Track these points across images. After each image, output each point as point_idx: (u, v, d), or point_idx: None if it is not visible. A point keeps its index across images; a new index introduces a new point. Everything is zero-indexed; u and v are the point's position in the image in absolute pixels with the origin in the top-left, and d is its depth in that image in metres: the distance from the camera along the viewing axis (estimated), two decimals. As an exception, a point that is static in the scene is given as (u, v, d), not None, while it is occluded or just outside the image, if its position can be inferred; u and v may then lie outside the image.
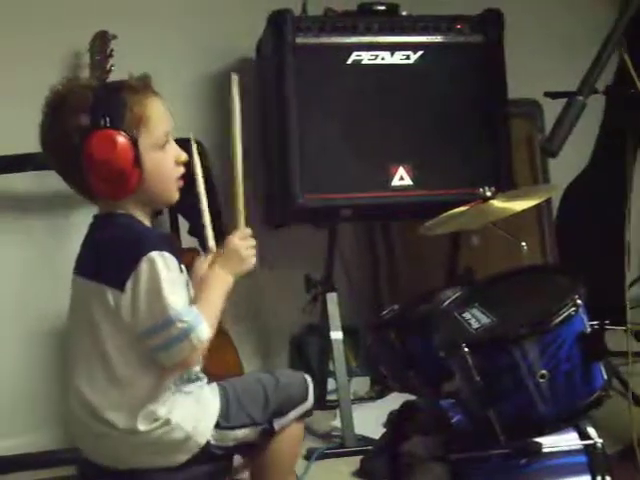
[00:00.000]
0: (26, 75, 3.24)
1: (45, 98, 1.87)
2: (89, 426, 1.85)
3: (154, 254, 1.77)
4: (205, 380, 1.99)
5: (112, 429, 1.82)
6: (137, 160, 1.81)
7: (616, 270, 4.37)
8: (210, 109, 3.65)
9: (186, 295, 1.84)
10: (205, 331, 1.79)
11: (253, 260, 2.00)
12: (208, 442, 1.89)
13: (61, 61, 3.28)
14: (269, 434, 2.02)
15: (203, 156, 3.29)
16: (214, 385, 2.01)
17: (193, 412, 1.89)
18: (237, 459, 2.09)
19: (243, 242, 2.00)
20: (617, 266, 4.38)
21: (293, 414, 2.06)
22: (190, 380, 1.92)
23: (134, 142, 1.81)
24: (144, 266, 1.76)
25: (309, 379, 2.13)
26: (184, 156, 1.94)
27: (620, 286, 4.38)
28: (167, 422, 1.84)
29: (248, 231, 2.03)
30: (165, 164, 1.89)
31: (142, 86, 1.88)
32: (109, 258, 1.83)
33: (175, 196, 1.95)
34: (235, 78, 2.09)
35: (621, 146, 4.32)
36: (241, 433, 1.96)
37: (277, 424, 2.02)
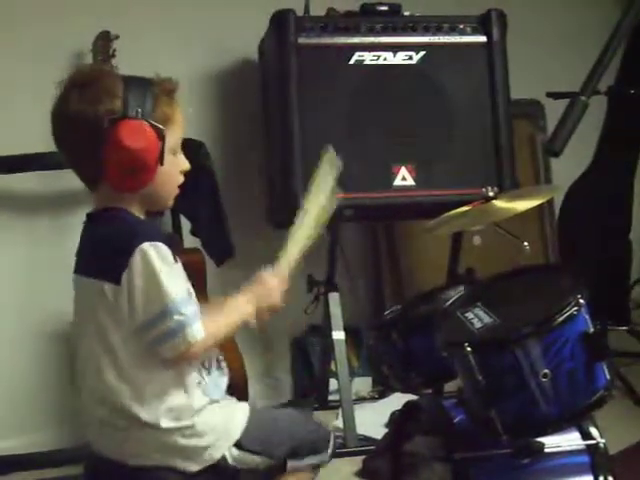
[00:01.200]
0: (29, 76, 3.25)
1: (69, 75, 1.84)
2: (105, 420, 1.84)
3: (146, 245, 1.75)
4: (226, 378, 1.98)
5: (132, 422, 1.81)
6: (161, 157, 1.80)
7: (618, 270, 4.39)
8: (213, 109, 3.65)
9: (184, 284, 1.82)
10: (199, 330, 1.77)
11: (280, 303, 1.99)
12: (223, 457, 1.88)
13: (63, 61, 3.28)
14: (279, 471, 1.99)
15: (205, 157, 3.32)
16: (245, 405, 1.99)
17: (217, 424, 1.88)
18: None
19: (275, 280, 1.98)
20: (619, 266, 4.40)
21: (308, 460, 2.03)
22: (211, 373, 1.92)
23: (163, 139, 1.80)
24: (137, 257, 1.74)
25: (333, 435, 2.11)
26: (187, 165, 1.93)
27: (622, 286, 4.39)
28: (192, 426, 1.83)
29: (285, 275, 2.01)
30: (175, 169, 1.89)
31: (171, 89, 1.87)
32: (104, 253, 1.81)
33: (171, 203, 1.94)
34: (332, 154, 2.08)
35: (623, 146, 4.34)
36: (257, 460, 1.94)
37: (290, 465, 1.99)
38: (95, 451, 1.89)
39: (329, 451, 2.08)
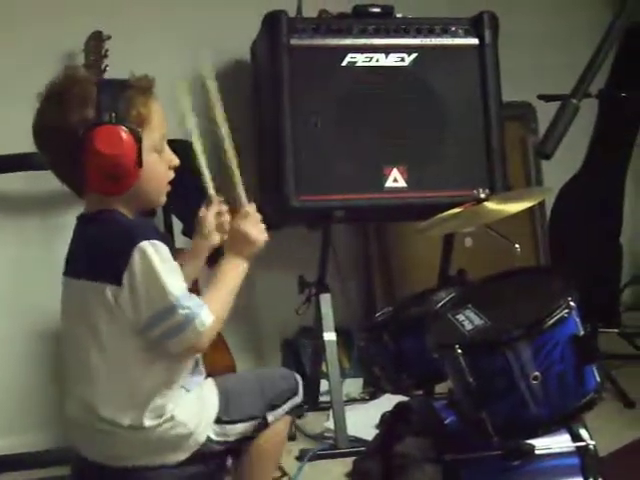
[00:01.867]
0: (19, 76, 3.24)
1: (45, 86, 1.85)
2: (89, 425, 1.85)
3: (144, 243, 1.76)
4: (204, 376, 1.99)
5: (116, 427, 1.82)
6: (139, 159, 1.80)
7: (609, 273, 4.40)
8: (203, 111, 3.64)
9: (183, 281, 1.83)
10: (208, 316, 1.79)
11: (262, 236, 2.00)
12: (208, 438, 1.91)
13: (55, 61, 3.27)
14: (262, 427, 2.04)
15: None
16: (210, 381, 2.01)
17: (195, 409, 1.90)
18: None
19: (247, 221, 2.00)
20: (610, 269, 4.41)
21: (285, 407, 2.09)
22: (194, 373, 1.93)
23: (139, 141, 1.80)
24: (137, 257, 1.75)
25: (298, 376, 2.17)
26: (176, 161, 1.94)
27: (613, 289, 4.40)
28: (172, 418, 1.85)
29: (250, 208, 2.02)
30: (160, 167, 1.90)
31: (147, 87, 1.87)
32: (101, 254, 1.82)
33: (163, 199, 1.95)
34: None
35: (614, 149, 4.35)
36: (241, 427, 1.98)
37: (271, 417, 2.05)
38: (81, 453, 1.90)
39: (300, 393, 2.14)
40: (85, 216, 1.91)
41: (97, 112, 1.77)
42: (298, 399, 2.13)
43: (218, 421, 1.94)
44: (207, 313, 1.80)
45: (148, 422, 1.82)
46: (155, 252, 1.77)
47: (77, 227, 1.93)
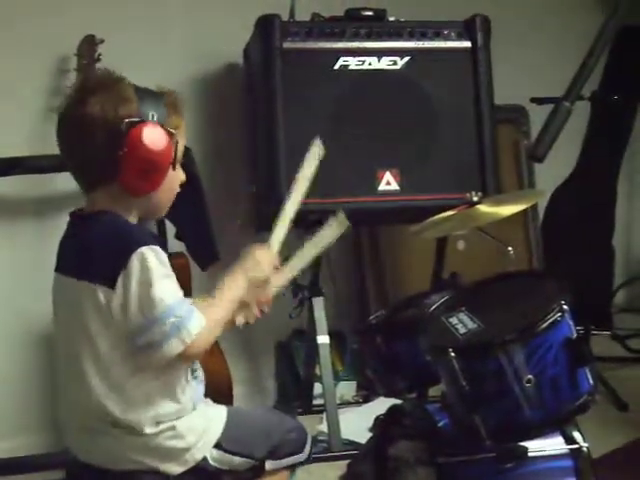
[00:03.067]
0: (13, 80, 3.23)
1: (81, 80, 1.86)
2: (87, 426, 1.84)
3: (145, 249, 1.75)
4: (203, 383, 1.97)
5: (116, 428, 1.81)
6: (174, 161, 1.86)
7: (601, 275, 4.41)
8: (197, 115, 3.64)
9: (177, 289, 1.81)
10: (196, 325, 1.77)
11: (268, 273, 2.00)
12: (205, 459, 1.89)
13: (48, 65, 3.27)
14: (258, 472, 2.00)
15: (190, 162, 3.32)
16: (222, 407, 2.00)
17: (198, 425, 1.88)
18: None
19: (264, 253, 2.01)
20: (602, 271, 4.42)
21: (287, 461, 2.04)
22: (192, 379, 1.92)
23: (176, 145, 1.86)
24: (135, 262, 1.74)
25: (309, 435, 2.13)
26: (184, 177, 1.96)
27: (605, 291, 4.42)
28: (172, 428, 1.83)
29: (274, 252, 2.05)
30: (176, 180, 1.93)
31: (180, 103, 1.92)
32: (98, 255, 1.80)
33: (165, 212, 1.97)
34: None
35: (607, 152, 4.37)
36: (237, 461, 1.94)
37: (269, 465, 2.00)
38: (76, 457, 1.89)
39: (306, 451, 2.09)
40: (83, 214, 1.89)
41: (141, 111, 1.81)
42: (302, 457, 2.08)
43: (218, 446, 1.91)
44: (196, 324, 1.77)
45: (149, 429, 1.81)
46: (155, 258, 1.76)
47: (72, 224, 1.91)
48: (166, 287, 1.76)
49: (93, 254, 1.81)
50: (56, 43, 3.27)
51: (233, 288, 1.92)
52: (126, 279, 1.74)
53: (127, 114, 1.80)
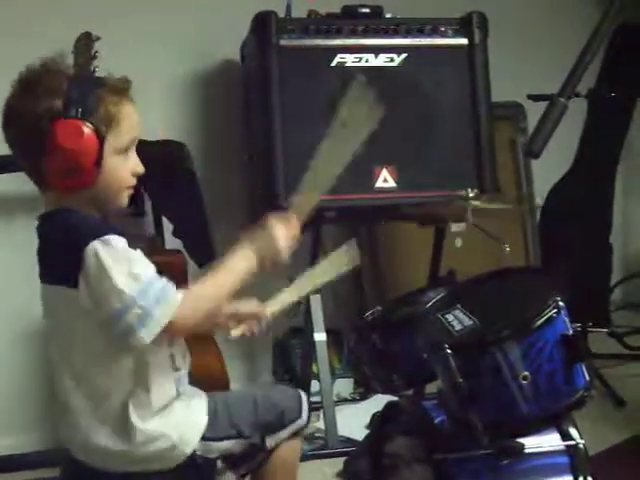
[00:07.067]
0: (7, 77, 3.22)
1: (19, 74, 1.82)
2: (78, 431, 1.82)
3: (95, 243, 1.69)
4: (186, 373, 1.94)
5: (99, 443, 1.79)
6: (99, 159, 1.74)
7: (599, 272, 4.41)
8: (194, 111, 3.64)
9: (147, 269, 1.74)
10: (166, 310, 1.70)
11: (285, 251, 1.90)
12: (194, 452, 1.86)
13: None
14: (261, 450, 1.97)
15: (187, 159, 3.32)
16: (203, 395, 1.97)
17: (180, 420, 1.86)
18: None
19: (282, 228, 1.90)
20: (600, 268, 4.42)
21: (286, 432, 1.99)
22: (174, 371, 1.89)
23: (101, 140, 1.74)
24: (89, 260, 1.69)
25: (303, 395, 2.07)
26: (141, 169, 1.86)
27: (603, 288, 4.42)
28: (149, 434, 1.80)
29: (295, 220, 1.94)
30: (122, 171, 1.82)
31: (121, 88, 1.82)
32: (55, 257, 1.77)
33: (124, 203, 1.87)
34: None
35: (604, 148, 4.37)
36: (225, 445, 1.91)
37: (270, 441, 1.97)
38: (73, 455, 1.88)
39: (303, 414, 2.02)
40: (43, 215, 1.85)
41: (65, 105, 1.72)
42: (301, 422, 2.01)
43: (203, 437, 1.88)
44: (166, 309, 1.70)
45: (126, 445, 1.79)
46: (107, 251, 1.69)
47: (37, 227, 1.86)
48: (124, 278, 1.69)
49: (51, 256, 1.78)
50: (52, 40, 3.25)
51: (240, 268, 1.85)
52: (85, 277, 1.70)
53: (48, 109, 1.72)
